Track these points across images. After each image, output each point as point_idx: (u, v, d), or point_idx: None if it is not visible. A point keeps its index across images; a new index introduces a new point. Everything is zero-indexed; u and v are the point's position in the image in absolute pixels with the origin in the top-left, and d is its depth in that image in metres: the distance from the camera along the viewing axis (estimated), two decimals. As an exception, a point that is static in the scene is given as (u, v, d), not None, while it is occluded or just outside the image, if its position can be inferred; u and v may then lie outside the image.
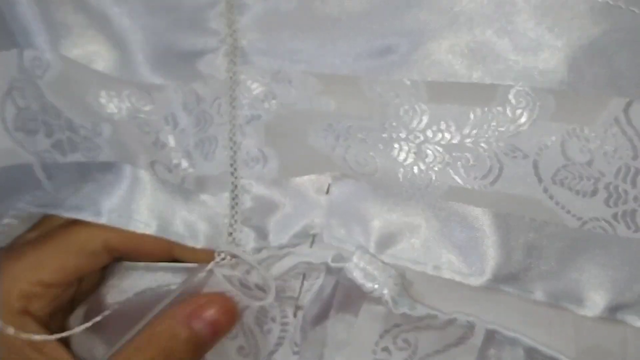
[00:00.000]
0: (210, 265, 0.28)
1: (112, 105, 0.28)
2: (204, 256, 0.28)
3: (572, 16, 0.24)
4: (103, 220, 0.27)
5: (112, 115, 0.28)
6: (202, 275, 0.28)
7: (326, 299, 0.28)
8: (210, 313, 0.27)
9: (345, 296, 0.28)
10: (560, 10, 0.25)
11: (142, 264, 0.29)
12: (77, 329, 0.28)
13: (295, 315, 0.29)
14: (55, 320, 0.29)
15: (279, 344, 0.30)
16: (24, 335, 0.27)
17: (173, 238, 0.28)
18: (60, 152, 0.29)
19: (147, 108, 0.28)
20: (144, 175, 0.28)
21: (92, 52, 0.28)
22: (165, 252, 0.29)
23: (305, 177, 0.28)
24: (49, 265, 0.28)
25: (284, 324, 0.29)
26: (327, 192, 0.28)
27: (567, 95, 0.25)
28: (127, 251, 0.29)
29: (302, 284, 0.28)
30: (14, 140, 0.29)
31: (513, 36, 0.25)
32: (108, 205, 0.27)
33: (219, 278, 0.28)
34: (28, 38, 0.28)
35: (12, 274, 0.28)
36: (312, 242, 0.28)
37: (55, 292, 0.28)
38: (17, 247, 0.29)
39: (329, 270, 0.27)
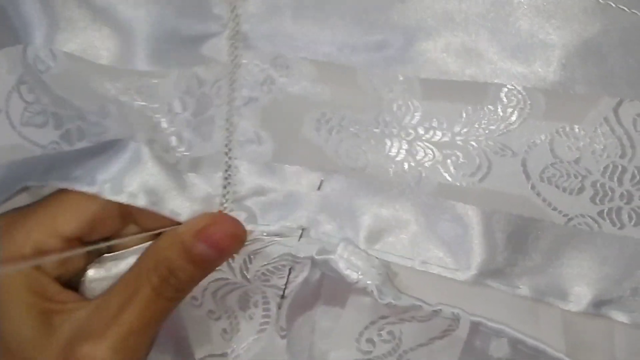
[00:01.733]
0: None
1: (115, 90, 0.28)
2: (168, 223, 0.28)
3: (566, 17, 0.25)
4: (95, 190, 0.26)
5: (117, 96, 0.28)
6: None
7: (312, 290, 0.28)
8: (217, 234, 0.27)
9: (332, 288, 0.28)
10: (554, 11, 0.25)
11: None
12: None
13: (279, 306, 0.29)
14: None
15: (261, 330, 0.30)
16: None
17: (164, 213, 0.27)
18: (68, 142, 0.29)
19: (148, 94, 0.28)
20: (144, 151, 0.28)
21: (94, 42, 0.28)
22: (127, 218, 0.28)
23: (298, 168, 0.28)
24: (64, 214, 0.27)
25: (266, 310, 0.29)
26: (319, 188, 0.28)
27: (558, 94, 0.25)
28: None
29: (288, 277, 0.28)
30: (20, 136, 0.29)
31: (507, 36, 0.25)
32: (102, 177, 0.27)
33: None
34: (29, 34, 0.28)
35: (26, 226, 0.27)
36: (300, 236, 0.28)
37: (68, 247, 0.27)
38: (28, 207, 0.28)
39: (314, 262, 0.27)
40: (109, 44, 0.28)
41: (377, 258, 0.27)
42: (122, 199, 0.26)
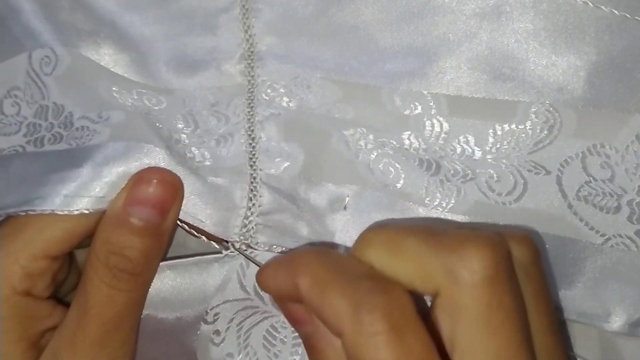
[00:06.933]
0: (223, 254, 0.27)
1: (124, 99, 0.27)
2: None
3: (591, 33, 0.25)
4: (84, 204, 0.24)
5: (126, 106, 0.27)
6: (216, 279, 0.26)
7: None
8: (146, 189, 0.24)
9: None
10: (578, 28, 0.25)
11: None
12: None
13: None
14: None
15: None
16: None
17: (184, 217, 0.26)
18: (35, 146, 0.26)
19: (158, 107, 0.27)
20: (163, 154, 0.26)
21: (102, 50, 0.27)
22: None
23: (326, 183, 0.27)
24: (53, 232, 0.24)
25: (295, 345, 0.27)
26: (345, 207, 0.27)
27: (588, 111, 0.25)
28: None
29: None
30: None
31: (532, 53, 0.26)
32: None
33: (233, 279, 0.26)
34: (37, 39, 0.27)
35: (13, 251, 0.24)
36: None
37: (56, 265, 0.25)
38: (12, 222, 0.25)
39: None
40: (118, 57, 0.27)
41: None
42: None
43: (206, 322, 0.27)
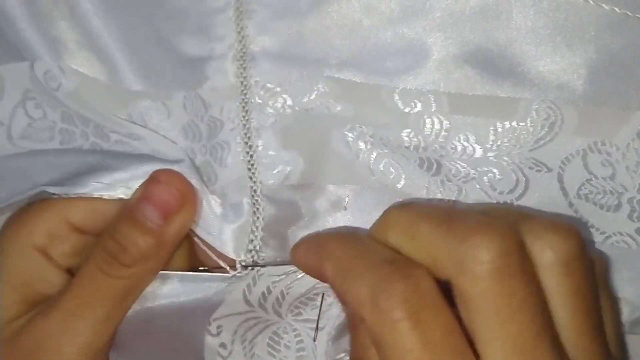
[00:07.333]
0: (230, 274, 0.27)
1: (128, 114, 0.28)
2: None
3: (591, 31, 0.25)
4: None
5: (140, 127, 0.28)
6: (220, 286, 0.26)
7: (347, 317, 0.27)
8: (161, 192, 0.25)
9: None
10: (579, 26, 0.25)
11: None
12: None
13: (315, 338, 0.27)
14: None
15: None
16: None
17: (197, 232, 0.27)
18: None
19: (165, 123, 0.28)
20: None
21: (91, 62, 0.28)
22: None
23: (326, 186, 0.27)
24: (80, 205, 0.26)
25: (300, 349, 0.27)
26: (345, 207, 0.27)
27: (589, 109, 0.25)
28: None
29: (322, 304, 0.27)
30: (14, 147, 0.28)
31: (533, 50, 0.25)
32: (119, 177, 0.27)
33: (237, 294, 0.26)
34: (34, 52, 0.27)
35: (40, 210, 0.26)
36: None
37: (78, 238, 0.26)
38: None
39: None
40: (107, 63, 0.27)
41: None
42: None
43: (210, 333, 0.27)
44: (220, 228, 0.27)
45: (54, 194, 0.27)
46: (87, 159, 0.28)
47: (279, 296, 0.27)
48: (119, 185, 0.26)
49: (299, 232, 0.27)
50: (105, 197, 0.26)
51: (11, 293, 0.26)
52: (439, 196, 0.26)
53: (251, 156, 0.27)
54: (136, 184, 0.26)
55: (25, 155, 0.29)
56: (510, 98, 0.26)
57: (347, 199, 0.27)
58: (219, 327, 0.27)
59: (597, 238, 0.25)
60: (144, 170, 0.26)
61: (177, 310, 0.27)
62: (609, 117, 0.25)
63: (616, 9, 0.25)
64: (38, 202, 0.27)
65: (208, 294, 0.27)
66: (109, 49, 0.27)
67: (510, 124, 0.26)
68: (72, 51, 0.27)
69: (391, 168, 0.27)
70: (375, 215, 0.26)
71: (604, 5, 0.25)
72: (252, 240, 0.27)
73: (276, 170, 0.27)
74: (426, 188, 0.26)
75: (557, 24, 0.25)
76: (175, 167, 0.26)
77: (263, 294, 0.27)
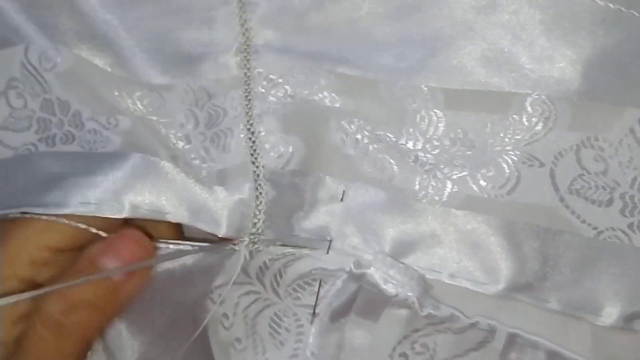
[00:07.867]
0: (235, 243, 0.28)
1: (126, 104, 0.28)
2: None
3: (586, 27, 0.25)
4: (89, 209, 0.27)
5: (129, 111, 0.28)
6: (223, 250, 0.28)
7: (345, 303, 0.28)
8: (117, 251, 0.26)
9: (366, 301, 0.28)
10: (573, 21, 0.25)
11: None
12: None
13: (312, 322, 0.29)
14: None
15: (294, 356, 0.29)
16: None
17: (199, 227, 0.28)
18: (47, 145, 0.29)
19: (159, 110, 0.28)
20: (169, 166, 0.28)
21: (94, 51, 0.29)
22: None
23: (324, 177, 0.28)
24: (60, 227, 0.27)
25: (299, 333, 0.29)
26: (342, 199, 0.28)
27: (583, 104, 0.25)
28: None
29: (319, 290, 0.28)
30: None
31: (527, 46, 0.26)
32: (130, 198, 0.28)
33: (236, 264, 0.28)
34: (31, 36, 0.28)
35: (21, 238, 0.26)
36: (329, 248, 0.28)
37: (63, 256, 0.27)
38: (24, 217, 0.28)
39: (352, 276, 0.27)
40: (109, 54, 0.28)
41: (415, 269, 0.27)
42: (125, 214, 0.27)
43: (212, 300, 0.29)
44: (221, 213, 0.28)
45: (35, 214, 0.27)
46: (62, 168, 0.28)
47: (277, 274, 0.28)
48: (105, 204, 0.27)
49: (295, 219, 0.29)
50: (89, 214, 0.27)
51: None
52: (430, 191, 0.27)
53: (253, 142, 0.28)
54: (112, 199, 0.27)
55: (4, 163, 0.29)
56: (505, 93, 0.26)
57: (343, 191, 0.28)
58: (220, 295, 0.29)
59: (589, 233, 0.25)
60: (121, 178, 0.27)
61: (179, 277, 0.29)
62: (603, 113, 0.25)
63: (611, 5, 0.24)
64: (17, 230, 0.27)
65: (209, 262, 0.29)
66: (112, 40, 0.28)
67: (504, 119, 0.26)
68: (74, 40, 0.28)
69: (386, 163, 0.27)
70: (370, 209, 0.28)
71: (598, 0, 0.24)
72: (255, 224, 0.28)
73: (278, 155, 0.28)
74: (418, 183, 0.27)
75: (553, 20, 0.25)
76: (152, 176, 0.28)
77: (260, 268, 0.28)
